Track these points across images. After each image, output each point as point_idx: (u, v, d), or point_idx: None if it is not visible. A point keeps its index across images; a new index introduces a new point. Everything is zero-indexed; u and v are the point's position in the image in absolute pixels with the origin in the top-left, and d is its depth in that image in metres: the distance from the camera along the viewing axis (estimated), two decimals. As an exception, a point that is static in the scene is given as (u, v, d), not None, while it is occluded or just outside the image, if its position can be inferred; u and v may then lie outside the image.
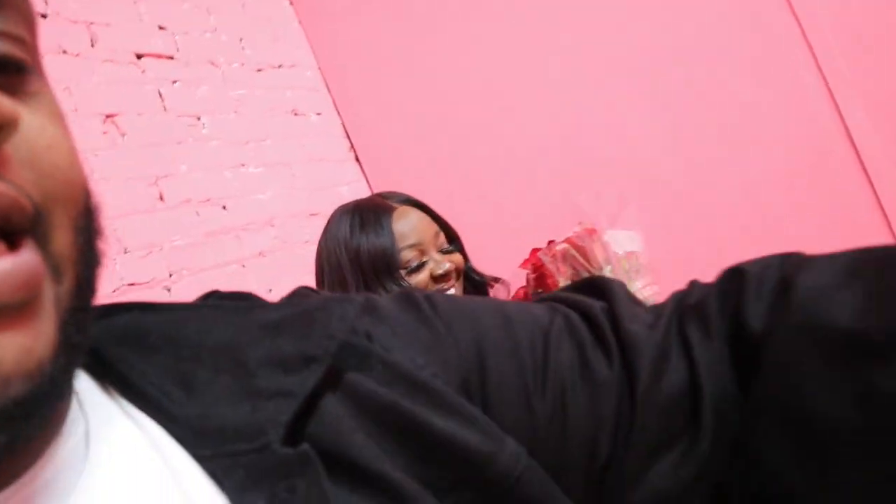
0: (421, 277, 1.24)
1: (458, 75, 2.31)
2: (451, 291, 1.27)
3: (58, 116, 0.36)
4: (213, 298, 0.50)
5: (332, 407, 0.40)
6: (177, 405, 0.39)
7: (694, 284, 0.49)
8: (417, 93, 2.38)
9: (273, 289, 1.99)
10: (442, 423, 0.40)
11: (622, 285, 0.49)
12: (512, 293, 1.42)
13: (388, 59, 2.42)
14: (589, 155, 2.12)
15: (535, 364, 0.44)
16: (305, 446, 0.38)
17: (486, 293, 1.39)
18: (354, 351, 0.43)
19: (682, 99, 2.00)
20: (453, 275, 1.27)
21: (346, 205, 1.35)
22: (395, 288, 1.21)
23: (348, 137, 2.54)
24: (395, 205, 1.30)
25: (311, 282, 2.11)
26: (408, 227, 1.26)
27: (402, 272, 1.24)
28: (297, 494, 0.36)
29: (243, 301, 0.48)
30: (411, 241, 1.24)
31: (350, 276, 1.24)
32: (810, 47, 1.84)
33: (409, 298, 0.49)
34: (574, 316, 0.47)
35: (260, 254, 2.00)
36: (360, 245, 1.24)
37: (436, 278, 1.25)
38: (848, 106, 1.82)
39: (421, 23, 2.35)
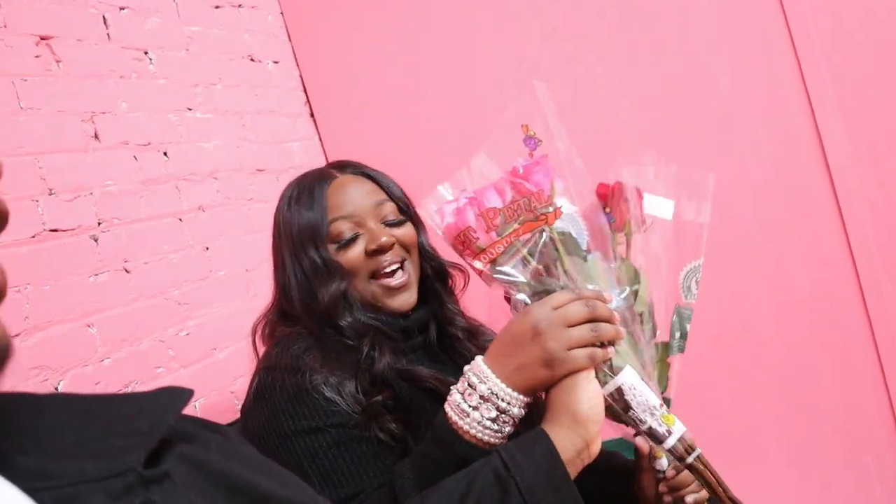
0: (354, 253, 1.14)
1: (429, 42, 2.19)
2: (394, 270, 1.16)
3: None
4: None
5: (173, 466, 0.44)
6: (18, 452, 0.40)
7: None
8: (384, 54, 2.25)
9: (210, 246, 1.86)
10: (266, 482, 0.49)
11: None
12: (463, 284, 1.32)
13: (355, 12, 2.27)
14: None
15: None
16: (166, 467, 0.43)
17: (445, 282, 1.29)
18: (184, 433, 0.49)
19: (662, 90, 1.94)
20: (396, 252, 1.16)
21: (303, 174, 1.25)
22: (318, 259, 1.12)
23: (305, 91, 2.39)
24: (336, 174, 1.20)
25: (251, 241, 1.98)
26: (342, 197, 1.16)
27: (333, 247, 1.14)
28: None
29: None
30: (344, 212, 1.14)
31: (285, 247, 1.17)
32: (796, 55, 1.80)
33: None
34: None
35: (199, 208, 1.86)
36: (292, 218, 1.17)
37: (370, 253, 1.14)
38: (825, 115, 1.79)
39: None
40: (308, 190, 1.17)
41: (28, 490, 0.39)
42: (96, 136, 1.63)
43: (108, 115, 1.67)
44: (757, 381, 1.96)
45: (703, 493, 1.03)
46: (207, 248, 1.85)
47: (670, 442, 0.91)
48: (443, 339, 1.23)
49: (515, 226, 0.91)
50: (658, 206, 1.03)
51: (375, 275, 1.15)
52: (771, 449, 1.97)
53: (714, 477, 0.93)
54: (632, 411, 0.90)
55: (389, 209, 1.19)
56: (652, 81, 1.94)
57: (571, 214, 0.97)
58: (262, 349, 1.20)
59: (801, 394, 1.92)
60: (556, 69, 2.04)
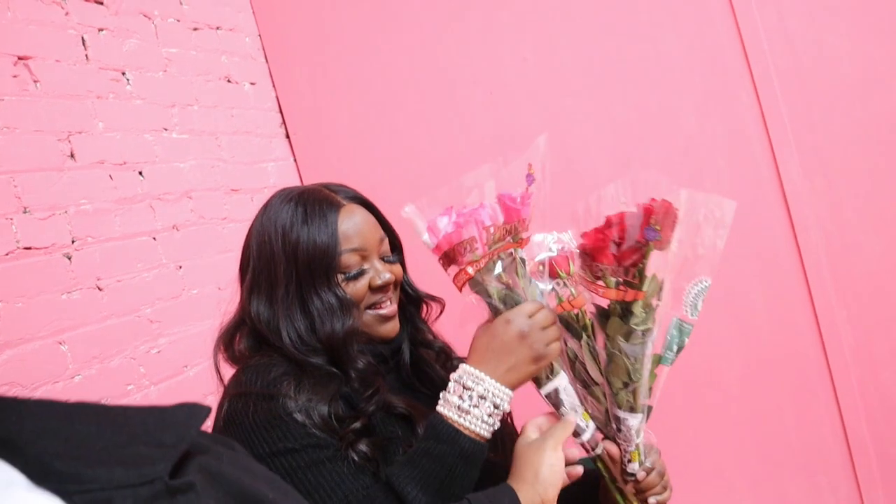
0: (359, 286, 1.15)
1: (405, 68, 2.24)
2: (388, 304, 1.21)
3: None
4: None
5: (193, 476, 0.48)
6: (55, 456, 0.44)
7: None
8: (360, 76, 2.29)
9: (183, 265, 1.88)
10: (273, 494, 0.55)
11: None
12: (437, 313, 1.36)
13: (333, 35, 2.32)
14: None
15: None
16: (191, 478, 0.46)
17: (420, 308, 1.32)
18: (200, 445, 0.53)
19: (629, 123, 2.00)
20: (391, 287, 1.20)
21: (289, 190, 1.21)
22: (329, 295, 1.12)
23: (281, 113, 2.42)
24: (343, 201, 1.19)
25: (224, 260, 2.00)
26: (354, 228, 1.15)
27: (340, 277, 1.14)
28: None
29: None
30: (355, 244, 1.14)
31: (283, 272, 1.13)
32: (757, 94, 1.87)
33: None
34: None
35: (174, 227, 1.88)
36: (299, 238, 1.12)
37: (374, 289, 1.17)
38: (783, 151, 1.86)
39: (372, 4, 2.26)
40: (319, 213, 1.15)
41: (63, 493, 0.42)
42: (72, 156, 1.65)
43: (84, 135, 1.69)
44: (716, 405, 2.01)
45: (667, 495, 1.14)
46: (181, 267, 1.87)
47: (587, 435, 1.09)
48: (414, 361, 1.27)
49: (501, 244, 1.06)
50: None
51: (371, 306, 1.18)
52: (731, 469, 2.03)
53: (613, 469, 1.12)
54: (563, 408, 1.08)
55: (387, 246, 1.21)
56: (619, 115, 2.01)
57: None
58: (224, 368, 1.20)
59: (759, 416, 1.98)
60: (526, 98, 2.10)
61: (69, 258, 1.58)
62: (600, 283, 1.02)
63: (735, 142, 1.91)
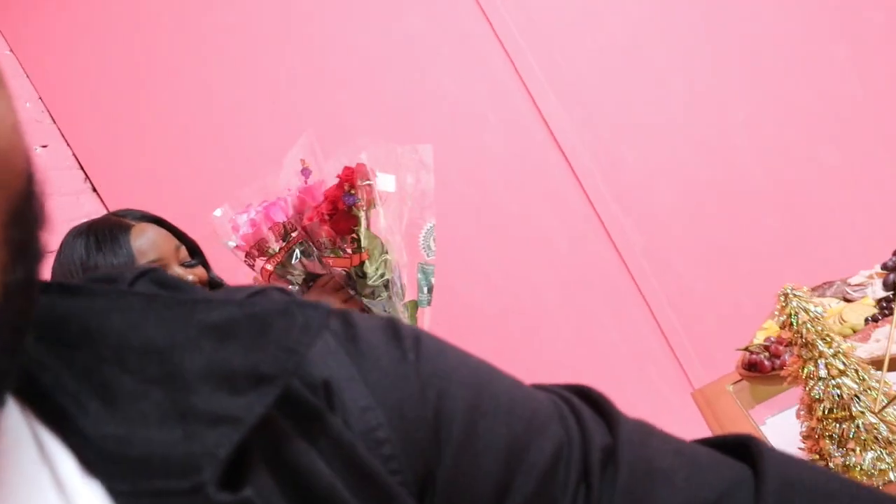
0: None
1: (191, 85, 2.32)
2: None
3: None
4: (145, 282, 0.38)
5: (258, 478, 0.33)
6: (93, 421, 0.31)
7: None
8: (151, 115, 2.35)
9: (11, 335, 1.87)
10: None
11: (638, 426, 0.45)
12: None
13: (114, 84, 2.36)
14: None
15: (513, 467, 0.39)
16: (248, 492, 0.31)
17: None
18: (302, 404, 0.36)
19: (399, 96, 2.18)
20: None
21: (79, 226, 1.28)
22: None
23: (82, 169, 2.43)
24: (131, 222, 1.27)
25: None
26: (147, 243, 1.24)
27: None
28: None
29: (181, 292, 0.38)
30: (151, 256, 1.23)
31: None
32: (503, 46, 2.10)
33: (396, 332, 0.41)
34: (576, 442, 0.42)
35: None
36: (97, 265, 1.20)
37: None
38: (540, 93, 2.10)
39: (144, 40, 2.32)
40: (111, 238, 1.22)
41: (113, 493, 0.31)
42: None
43: None
44: (544, 328, 2.23)
45: None
46: (8, 336, 1.86)
47: None
48: None
49: (293, 235, 1.18)
50: (384, 182, 1.22)
51: None
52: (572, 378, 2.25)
53: None
54: None
55: (184, 252, 1.31)
56: (386, 92, 2.18)
57: None
58: None
59: (583, 329, 2.21)
60: (307, 96, 2.23)
61: None
62: (331, 255, 1.16)
63: (496, 93, 2.12)
